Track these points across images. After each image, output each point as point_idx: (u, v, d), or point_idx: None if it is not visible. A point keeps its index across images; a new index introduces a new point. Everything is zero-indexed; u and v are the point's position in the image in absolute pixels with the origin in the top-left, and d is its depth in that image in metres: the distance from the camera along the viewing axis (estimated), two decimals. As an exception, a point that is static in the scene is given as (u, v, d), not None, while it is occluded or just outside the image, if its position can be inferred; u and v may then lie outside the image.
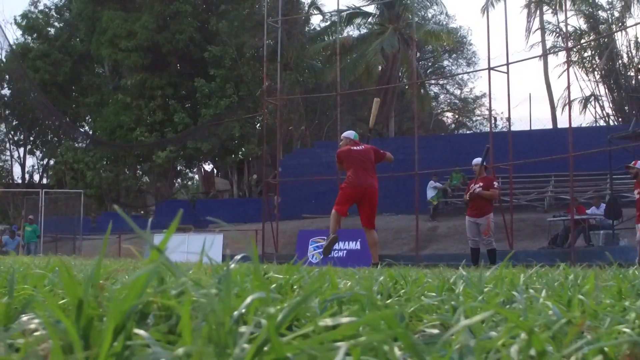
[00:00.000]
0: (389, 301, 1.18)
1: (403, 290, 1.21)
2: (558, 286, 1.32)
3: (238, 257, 0.83)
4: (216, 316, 0.59)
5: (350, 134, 8.97)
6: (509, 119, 19.13)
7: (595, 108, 34.32)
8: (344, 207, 8.44)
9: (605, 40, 30.64)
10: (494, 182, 10.63)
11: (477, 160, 10.68)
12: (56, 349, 0.55)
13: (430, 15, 37.62)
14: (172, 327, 0.68)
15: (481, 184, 10.37)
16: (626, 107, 31.90)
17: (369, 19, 32.64)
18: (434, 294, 1.24)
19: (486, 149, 10.75)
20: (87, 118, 37.30)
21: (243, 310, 0.63)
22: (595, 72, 33.35)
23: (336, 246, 15.15)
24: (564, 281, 1.48)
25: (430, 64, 42.53)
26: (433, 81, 41.29)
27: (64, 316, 0.57)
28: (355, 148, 8.56)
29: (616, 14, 32.34)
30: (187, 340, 0.60)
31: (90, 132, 35.82)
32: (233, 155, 31.66)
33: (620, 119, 31.21)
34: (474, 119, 44.81)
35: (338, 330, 0.61)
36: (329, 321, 0.64)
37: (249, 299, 0.67)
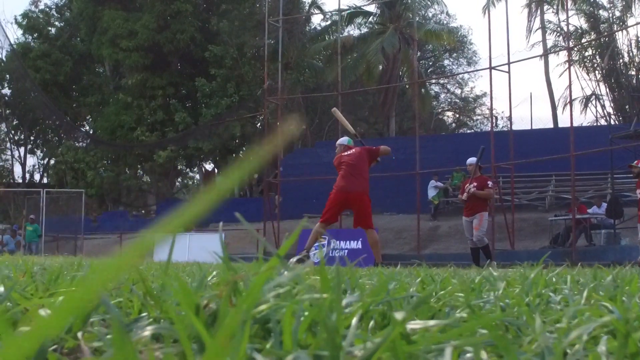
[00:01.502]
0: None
1: (442, 292, 1.21)
2: (593, 287, 1.31)
3: (294, 259, 0.82)
4: (328, 321, 0.59)
5: (343, 140, 9.15)
6: (510, 118, 19.12)
7: (596, 107, 34.33)
8: (329, 214, 8.80)
9: (606, 39, 30.62)
10: (488, 182, 10.68)
11: (472, 160, 10.75)
12: (189, 354, 0.55)
13: (430, 14, 37.64)
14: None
15: (475, 183, 10.42)
16: (627, 107, 31.87)
17: (370, 19, 32.64)
18: (461, 294, 1.23)
19: (481, 150, 10.77)
20: (87, 118, 37.32)
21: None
22: (596, 72, 33.34)
23: (338, 245, 15.15)
24: (601, 282, 1.47)
25: (430, 63, 42.52)
26: (434, 80, 41.28)
27: (197, 321, 0.57)
28: (345, 154, 8.77)
29: (617, 13, 32.34)
30: (287, 345, 0.61)
31: (91, 132, 35.83)
32: (234, 155, 31.66)
33: (621, 119, 31.18)
34: (474, 118, 44.81)
35: (447, 334, 0.62)
36: (419, 323, 0.65)
37: (343, 303, 0.67)
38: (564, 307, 1.07)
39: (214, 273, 1.37)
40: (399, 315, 0.60)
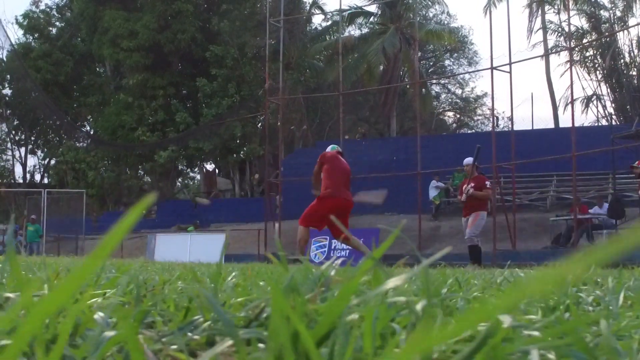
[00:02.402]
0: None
1: (474, 294, 1.20)
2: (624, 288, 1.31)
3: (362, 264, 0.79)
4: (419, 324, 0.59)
5: (333, 147, 8.74)
6: (511, 119, 19.07)
7: (597, 107, 34.33)
8: (318, 221, 8.01)
9: (607, 39, 30.59)
10: (486, 182, 10.62)
11: (468, 160, 10.69)
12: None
13: (431, 14, 37.65)
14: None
15: (473, 184, 10.36)
16: (628, 107, 31.85)
17: (371, 19, 32.64)
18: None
19: (477, 149, 10.71)
20: (88, 118, 37.32)
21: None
22: (598, 72, 33.32)
23: (339, 246, 15.11)
24: (621, 282, 1.45)
25: (431, 63, 42.50)
26: (435, 81, 41.25)
27: (301, 325, 0.56)
28: (342, 158, 8.37)
29: (618, 14, 32.32)
30: (367, 348, 0.60)
31: (92, 132, 35.83)
32: (235, 155, 31.64)
33: (622, 119, 31.15)
34: (475, 118, 44.80)
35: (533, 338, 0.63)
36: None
37: (419, 307, 0.66)
38: (598, 309, 1.06)
39: (233, 274, 1.37)
40: (505, 319, 0.59)
